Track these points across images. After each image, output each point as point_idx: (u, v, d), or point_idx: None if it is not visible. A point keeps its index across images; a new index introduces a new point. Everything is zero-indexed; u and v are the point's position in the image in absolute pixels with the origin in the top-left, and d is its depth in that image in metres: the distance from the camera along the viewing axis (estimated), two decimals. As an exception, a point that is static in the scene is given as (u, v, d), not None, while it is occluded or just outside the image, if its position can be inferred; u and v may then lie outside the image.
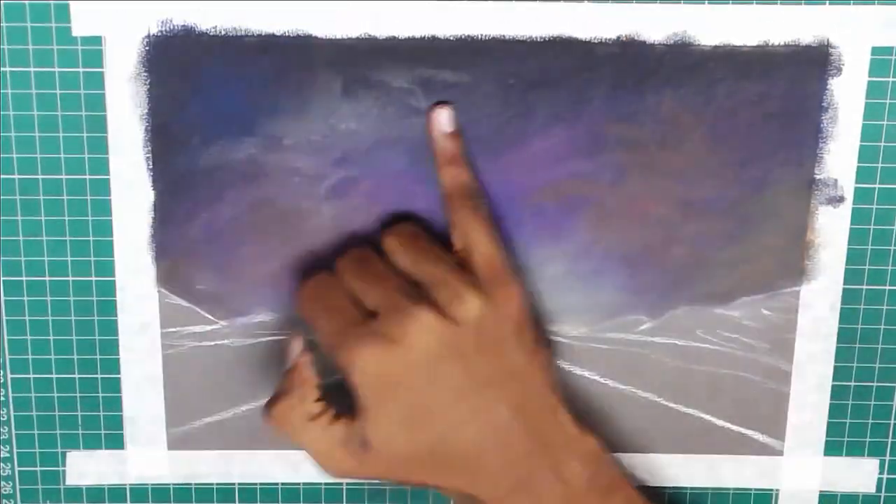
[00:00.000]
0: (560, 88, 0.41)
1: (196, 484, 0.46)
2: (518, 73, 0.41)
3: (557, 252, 0.43)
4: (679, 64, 0.41)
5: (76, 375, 0.44)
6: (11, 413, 0.45)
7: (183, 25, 0.41)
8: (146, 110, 0.41)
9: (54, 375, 0.44)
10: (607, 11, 0.41)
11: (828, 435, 0.45)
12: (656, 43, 0.41)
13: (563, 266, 0.43)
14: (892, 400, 0.45)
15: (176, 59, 0.41)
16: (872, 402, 0.45)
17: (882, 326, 0.44)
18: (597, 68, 0.41)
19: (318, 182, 0.42)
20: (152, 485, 0.46)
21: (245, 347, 0.44)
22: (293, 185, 0.42)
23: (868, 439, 0.45)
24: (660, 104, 0.42)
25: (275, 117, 0.42)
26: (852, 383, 0.45)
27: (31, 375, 0.44)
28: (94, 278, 0.43)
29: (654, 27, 0.41)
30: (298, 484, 0.46)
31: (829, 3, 0.41)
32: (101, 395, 0.45)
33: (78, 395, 0.45)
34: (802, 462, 0.46)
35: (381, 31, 0.41)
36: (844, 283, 0.44)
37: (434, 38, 0.41)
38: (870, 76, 0.41)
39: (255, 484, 0.46)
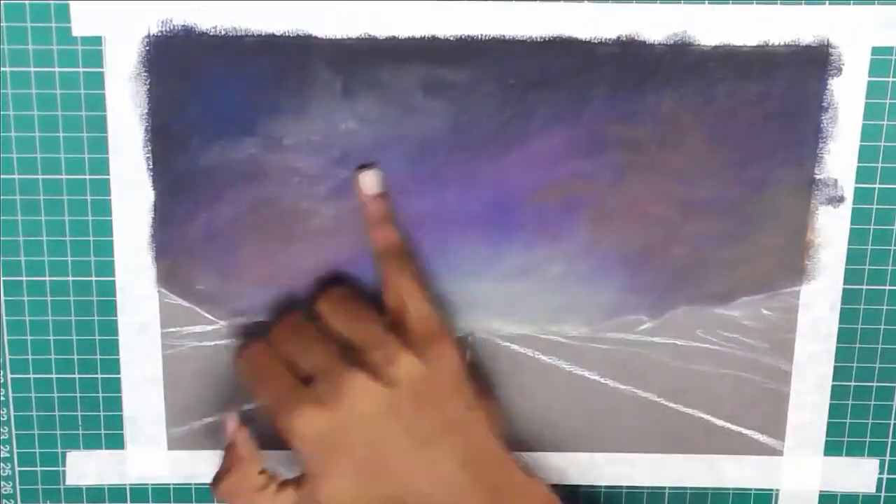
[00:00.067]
0: (560, 88, 0.41)
1: (196, 484, 0.46)
2: (518, 73, 0.41)
3: (557, 252, 0.43)
4: (679, 64, 0.41)
5: (76, 375, 0.44)
6: (11, 413, 0.45)
7: (183, 25, 0.41)
8: (146, 110, 0.41)
9: (54, 375, 0.44)
10: (607, 11, 0.41)
11: (828, 435, 0.45)
12: (656, 43, 0.41)
13: (563, 266, 0.43)
14: (892, 400, 0.45)
15: (176, 59, 0.41)
16: (872, 402, 0.45)
17: (882, 326, 0.44)
18: (597, 68, 0.41)
19: (318, 182, 0.42)
20: (152, 485, 0.46)
21: (245, 347, 0.44)
22: (293, 185, 0.42)
23: (868, 439, 0.45)
24: (660, 104, 0.42)
25: (275, 117, 0.42)
26: (852, 383, 0.45)
27: (31, 375, 0.44)
28: (94, 278, 0.43)
29: (654, 27, 0.41)
30: (298, 484, 0.46)
31: (829, 3, 0.41)
32: (101, 395, 0.45)
33: (78, 395, 0.45)
34: (802, 462, 0.46)
35: (381, 31, 0.41)
36: (844, 283, 0.44)
37: (434, 38, 0.41)
38: (870, 76, 0.41)
39: (255, 484, 0.46)
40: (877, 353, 0.45)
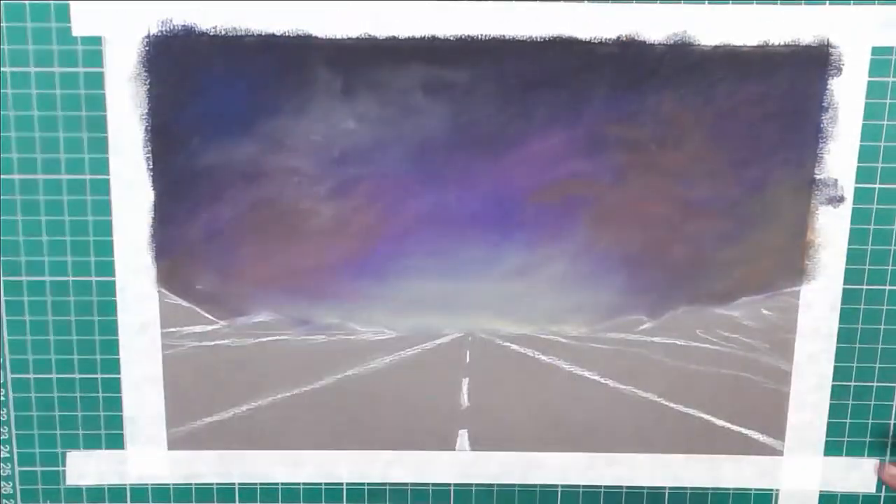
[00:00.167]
0: (560, 88, 0.41)
1: (196, 484, 0.46)
2: (518, 73, 0.41)
3: (557, 252, 0.43)
4: (679, 64, 0.41)
5: (76, 375, 0.44)
6: (11, 413, 0.45)
7: (183, 25, 0.41)
8: (146, 110, 0.41)
9: (54, 375, 0.44)
10: (607, 11, 0.41)
11: (828, 435, 0.45)
12: (656, 43, 0.41)
13: (563, 266, 0.43)
14: (892, 400, 0.45)
15: (176, 59, 0.41)
16: (872, 402, 0.45)
17: (882, 326, 0.44)
18: (597, 68, 0.41)
19: (318, 182, 0.42)
20: (152, 485, 0.46)
21: (245, 347, 0.44)
22: (293, 185, 0.42)
23: (868, 439, 0.45)
24: (660, 104, 0.42)
25: (275, 117, 0.42)
26: (852, 383, 0.45)
27: (31, 375, 0.44)
28: (94, 278, 0.43)
29: (654, 27, 0.41)
30: (298, 484, 0.46)
31: (829, 3, 0.41)
32: (101, 395, 0.45)
33: (78, 395, 0.45)
34: (802, 462, 0.46)
35: (381, 31, 0.41)
36: (844, 283, 0.44)
37: (434, 38, 0.41)
38: (870, 76, 0.41)
39: (255, 484, 0.46)
40: (877, 353, 0.45)
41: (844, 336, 0.44)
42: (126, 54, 0.41)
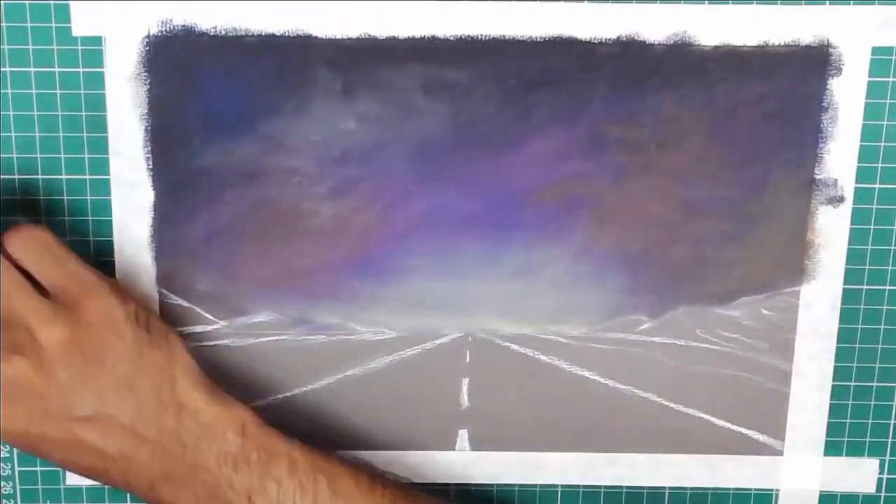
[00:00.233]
0: (560, 88, 0.41)
1: (196, 484, 0.46)
2: (518, 73, 0.41)
3: (557, 252, 0.43)
4: (679, 64, 0.41)
5: (76, 375, 0.44)
6: (11, 413, 0.45)
7: (183, 25, 0.41)
8: (146, 110, 0.41)
9: (54, 375, 0.44)
10: (607, 11, 0.41)
11: (828, 435, 0.45)
12: (656, 43, 0.41)
13: (563, 266, 0.43)
14: (892, 400, 0.45)
15: (176, 59, 0.41)
16: (872, 402, 0.45)
17: (882, 326, 0.44)
18: (597, 68, 0.41)
19: (318, 182, 0.42)
20: (152, 485, 0.46)
21: (245, 347, 0.44)
22: (293, 185, 0.42)
23: (868, 439, 0.45)
24: (660, 104, 0.42)
25: (275, 117, 0.42)
26: (852, 383, 0.45)
27: (31, 375, 0.44)
28: (94, 278, 0.43)
29: (654, 27, 0.41)
30: (298, 484, 0.46)
31: (829, 3, 0.41)
32: (101, 395, 0.44)
33: (78, 395, 0.44)
34: (802, 462, 0.46)
35: (381, 31, 0.41)
36: (844, 283, 0.44)
37: (434, 38, 0.41)
38: (870, 76, 0.41)
39: (255, 484, 0.46)
40: (877, 353, 0.45)
41: (844, 336, 0.44)
42: (126, 54, 0.41)
